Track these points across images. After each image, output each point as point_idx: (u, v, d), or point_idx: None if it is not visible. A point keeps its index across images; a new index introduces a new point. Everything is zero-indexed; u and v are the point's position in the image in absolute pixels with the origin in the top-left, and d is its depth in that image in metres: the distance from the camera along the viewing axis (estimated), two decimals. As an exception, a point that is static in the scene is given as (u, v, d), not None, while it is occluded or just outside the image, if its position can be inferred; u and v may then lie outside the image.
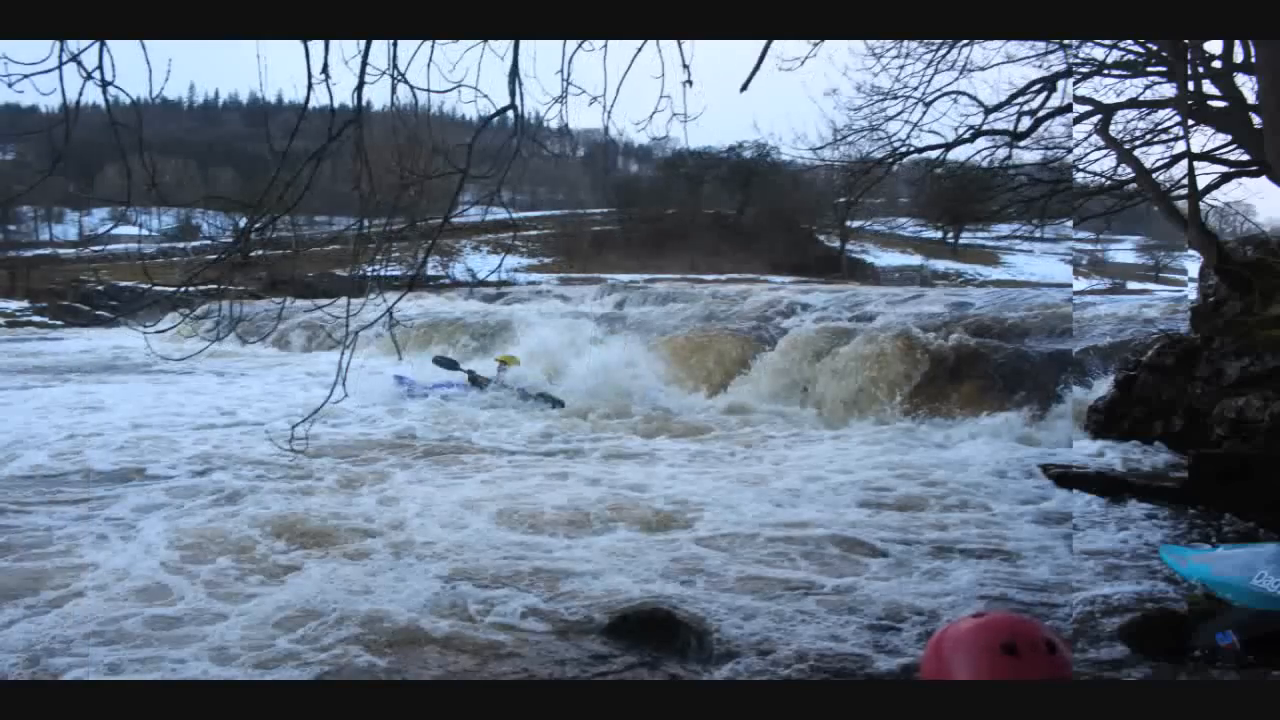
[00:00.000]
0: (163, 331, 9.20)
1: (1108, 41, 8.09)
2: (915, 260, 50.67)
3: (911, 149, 9.40)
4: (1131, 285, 40.88)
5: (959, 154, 9.59)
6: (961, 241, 51.72)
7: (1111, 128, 8.19)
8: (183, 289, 3.32)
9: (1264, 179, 6.76)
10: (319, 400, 3.15)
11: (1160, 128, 8.65)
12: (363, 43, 2.77)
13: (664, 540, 5.33)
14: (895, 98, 9.07)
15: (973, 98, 8.93)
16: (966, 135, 9.08)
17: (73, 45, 2.37)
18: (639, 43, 3.15)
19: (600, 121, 3.35)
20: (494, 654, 3.76)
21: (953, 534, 5.44)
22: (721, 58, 5.48)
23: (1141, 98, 8.49)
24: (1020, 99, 8.83)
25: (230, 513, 5.82)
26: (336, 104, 2.80)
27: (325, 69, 2.72)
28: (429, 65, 2.97)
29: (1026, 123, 8.92)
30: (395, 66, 2.90)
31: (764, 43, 3.85)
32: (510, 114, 3.04)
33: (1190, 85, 7.25)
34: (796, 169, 20.36)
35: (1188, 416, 7.30)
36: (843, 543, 5.28)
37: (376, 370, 10.99)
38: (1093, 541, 5.14)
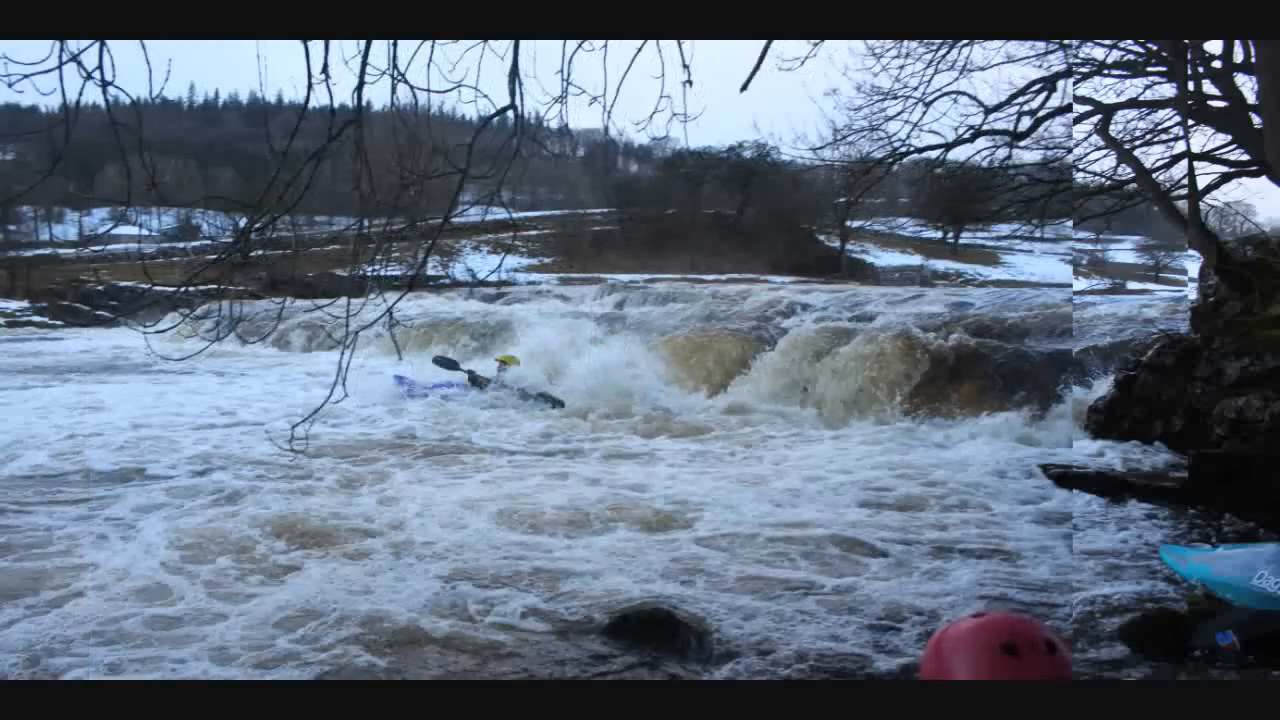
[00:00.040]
0: (163, 331, 9.19)
1: (1108, 41, 8.09)
2: (915, 260, 50.68)
3: (911, 149, 9.40)
4: (1131, 285, 40.90)
5: (959, 154, 9.60)
6: (961, 241, 51.73)
7: (1111, 128, 8.19)
8: (183, 289, 3.32)
9: (1264, 179, 6.76)
10: (319, 400, 3.15)
11: (1160, 128, 8.66)
12: (363, 43, 2.77)
13: (664, 540, 5.33)
14: (895, 98, 9.08)
15: (973, 98, 8.95)
16: (966, 135, 9.08)
17: (73, 45, 2.37)
18: (639, 43, 3.15)
19: (600, 121, 3.35)
20: (494, 654, 3.76)
21: (953, 534, 5.44)
22: (721, 58, 5.48)
23: (1141, 98, 8.50)
24: (1020, 99, 8.84)
25: (230, 513, 5.82)
26: (336, 104, 2.80)
27: (325, 69, 2.72)
28: (429, 65, 2.97)
29: (1026, 123, 8.93)
30: (395, 66, 2.90)
31: (764, 43, 3.86)
32: (510, 114, 3.04)
33: (1190, 85, 7.25)
34: (796, 169, 20.35)
35: (1188, 416, 7.30)
36: (843, 543, 5.28)
37: (376, 370, 10.99)
38: (1093, 541, 5.14)
